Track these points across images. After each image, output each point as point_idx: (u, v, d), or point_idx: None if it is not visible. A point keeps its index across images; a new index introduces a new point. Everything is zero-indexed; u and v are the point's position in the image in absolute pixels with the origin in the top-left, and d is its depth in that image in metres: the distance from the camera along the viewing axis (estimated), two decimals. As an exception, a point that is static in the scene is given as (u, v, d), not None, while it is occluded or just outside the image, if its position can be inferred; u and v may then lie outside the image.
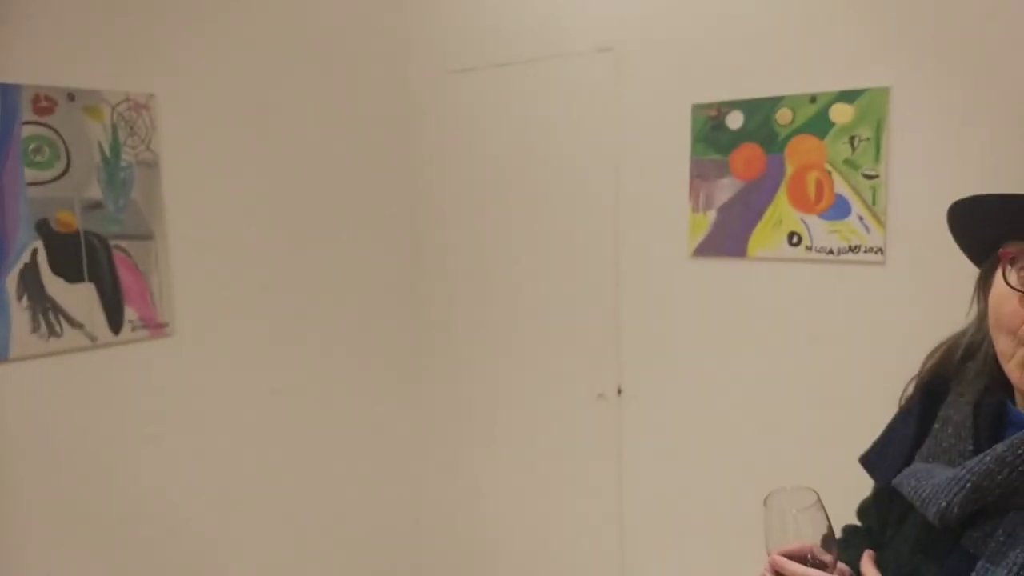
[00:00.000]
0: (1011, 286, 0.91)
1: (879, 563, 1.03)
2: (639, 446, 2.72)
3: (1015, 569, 0.84)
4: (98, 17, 2.26)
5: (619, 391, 2.72)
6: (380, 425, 3.09)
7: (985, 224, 0.97)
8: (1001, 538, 0.87)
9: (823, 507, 1.00)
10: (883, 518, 1.08)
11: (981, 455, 0.90)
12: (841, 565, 1.03)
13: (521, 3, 2.80)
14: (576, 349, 2.81)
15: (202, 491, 2.54)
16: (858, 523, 1.20)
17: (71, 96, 2.21)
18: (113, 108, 2.29)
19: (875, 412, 2.23)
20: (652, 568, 2.75)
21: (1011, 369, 0.93)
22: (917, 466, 0.99)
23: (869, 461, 1.09)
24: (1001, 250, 0.94)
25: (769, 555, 1.01)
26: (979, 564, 0.88)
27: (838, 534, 1.09)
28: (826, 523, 1.00)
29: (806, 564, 0.98)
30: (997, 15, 1.99)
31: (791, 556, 0.99)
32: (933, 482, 0.93)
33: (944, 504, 0.90)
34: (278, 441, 2.74)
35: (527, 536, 3.04)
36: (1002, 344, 0.94)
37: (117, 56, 2.30)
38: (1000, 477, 0.87)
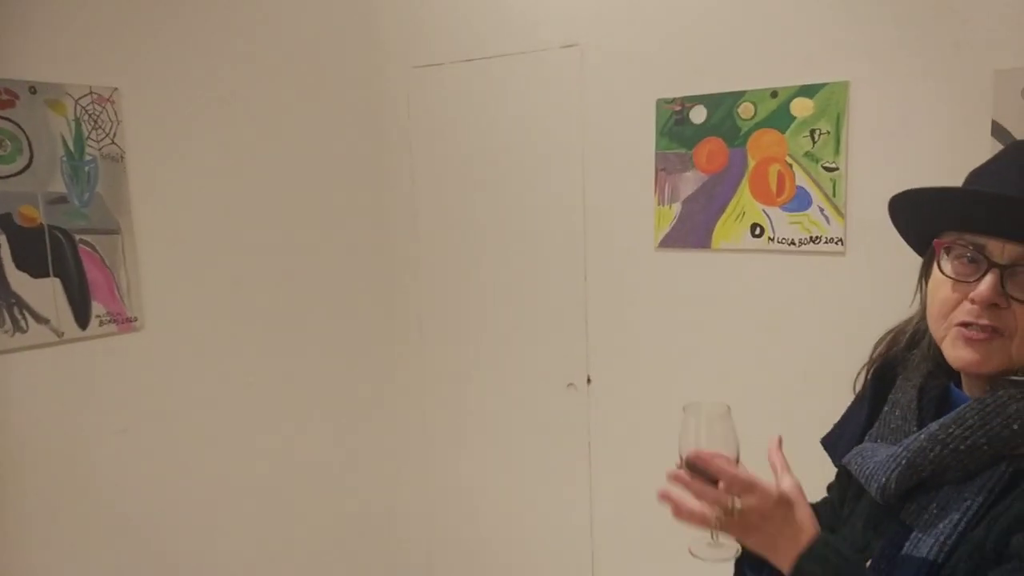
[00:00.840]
0: (944, 274, 0.96)
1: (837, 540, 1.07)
2: (608, 434, 2.76)
3: (941, 538, 0.89)
4: (61, 9, 2.23)
5: (588, 380, 2.76)
6: (353, 418, 3.09)
7: (924, 216, 1.01)
8: (935, 511, 0.92)
9: (732, 421, 1.02)
10: (842, 496, 1.13)
11: (916, 434, 0.95)
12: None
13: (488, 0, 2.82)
14: (546, 340, 2.84)
15: (173, 487, 2.53)
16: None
17: (33, 89, 2.18)
18: (76, 101, 2.27)
19: (835, 397, 2.29)
20: (622, 554, 2.79)
21: (945, 350, 0.97)
22: (864, 445, 1.04)
23: (828, 442, 1.14)
24: (936, 240, 0.98)
25: (682, 455, 1.02)
26: (912, 535, 0.93)
27: None
28: (735, 437, 1.02)
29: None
30: (955, 11, 2.04)
31: (698, 458, 1.00)
32: (875, 460, 0.98)
33: (883, 480, 0.95)
34: (250, 437, 2.73)
35: (500, 524, 3.07)
36: (936, 328, 0.99)
37: (80, 49, 2.28)
38: (932, 454, 0.92)
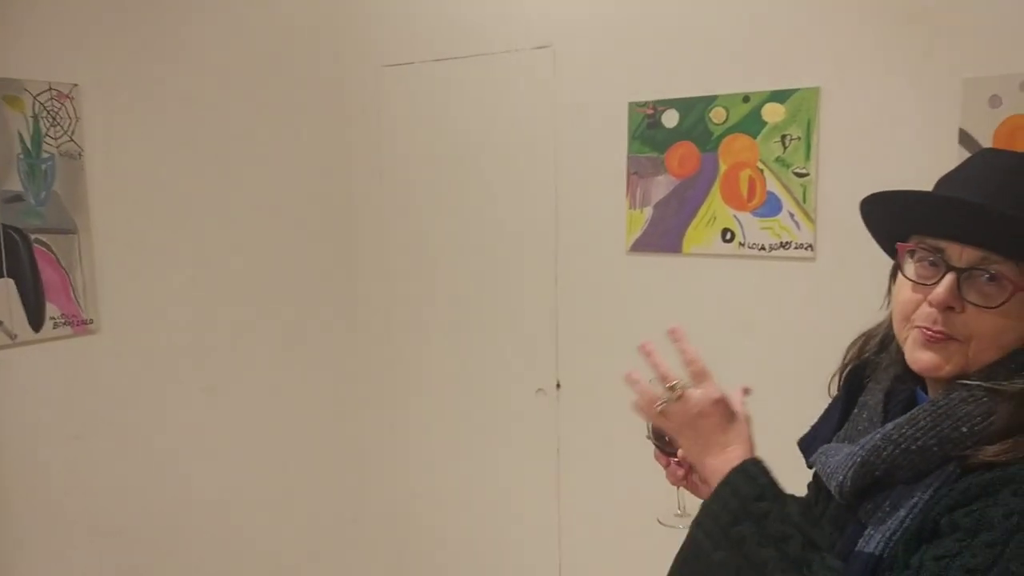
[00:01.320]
0: (906, 276, 0.98)
1: None
2: (577, 440, 2.73)
3: (887, 533, 0.91)
4: (22, 3, 2.18)
5: (558, 386, 2.74)
6: (316, 423, 3.04)
7: (891, 218, 1.03)
8: (887, 508, 0.93)
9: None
10: (816, 496, 1.14)
11: (872, 434, 0.97)
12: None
13: (460, -1, 2.79)
14: (515, 344, 2.81)
15: (128, 493, 2.47)
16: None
17: (-10, 84, 2.13)
18: (35, 98, 2.21)
19: (806, 401, 2.29)
20: (589, 560, 2.77)
21: (906, 352, 0.98)
22: (829, 445, 1.05)
23: (803, 444, 1.15)
24: (899, 244, 1.00)
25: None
26: (866, 531, 0.94)
27: None
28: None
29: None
30: (925, 20, 2.05)
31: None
32: (836, 459, 1.00)
33: (841, 478, 0.97)
34: (210, 442, 2.68)
35: (466, 531, 3.04)
36: (898, 330, 1.00)
37: (39, 44, 2.22)
38: (885, 453, 0.93)
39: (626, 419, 2.73)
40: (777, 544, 0.90)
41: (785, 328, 2.31)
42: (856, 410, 1.06)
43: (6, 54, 2.16)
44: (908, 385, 1.04)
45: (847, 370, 1.13)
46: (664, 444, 1.17)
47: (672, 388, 1.02)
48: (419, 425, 3.09)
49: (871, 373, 1.09)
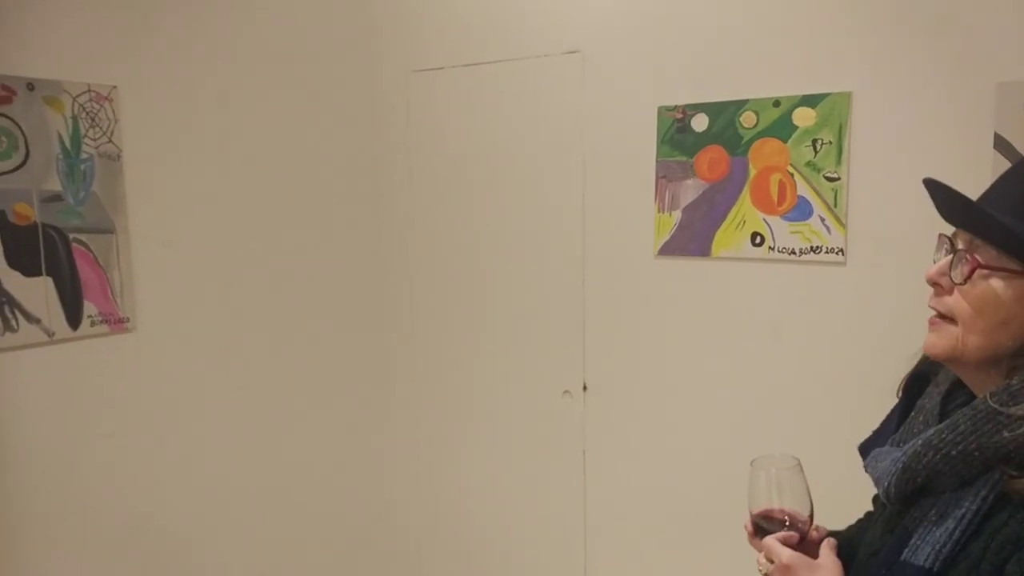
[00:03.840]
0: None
1: (866, 539, 1.09)
2: (604, 443, 2.73)
3: (937, 546, 0.90)
4: (60, 5, 2.21)
5: (585, 388, 2.74)
6: (346, 424, 3.06)
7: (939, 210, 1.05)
8: (933, 517, 0.92)
9: (802, 471, 1.09)
10: (876, 499, 1.15)
11: (915, 438, 0.97)
12: (821, 528, 1.12)
13: (489, 4, 2.80)
14: (542, 346, 2.81)
15: (163, 491, 2.50)
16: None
17: (31, 86, 2.16)
18: (74, 99, 2.24)
19: (835, 407, 2.28)
20: (615, 565, 2.76)
21: None
22: (881, 448, 1.05)
23: (862, 448, 1.15)
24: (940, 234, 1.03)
25: (751, 513, 1.11)
26: (911, 540, 0.94)
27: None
28: (805, 487, 1.10)
29: (783, 525, 1.08)
30: (958, 21, 2.04)
31: (768, 515, 1.09)
32: (883, 463, 1.00)
33: (886, 484, 0.98)
34: (241, 440, 2.70)
35: (490, 533, 3.04)
36: None
37: (79, 46, 2.25)
38: (926, 459, 0.93)
39: (652, 422, 2.76)
40: None
41: (815, 334, 2.29)
42: (913, 413, 1.06)
43: (46, 56, 2.19)
44: (967, 389, 1.03)
45: (909, 374, 1.13)
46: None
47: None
48: (445, 426, 3.11)
49: (934, 378, 1.09)
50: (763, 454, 1.11)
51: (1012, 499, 0.88)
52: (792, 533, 1.07)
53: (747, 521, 1.12)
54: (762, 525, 1.09)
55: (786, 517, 1.08)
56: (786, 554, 1.04)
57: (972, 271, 0.94)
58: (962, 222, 0.99)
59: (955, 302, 0.97)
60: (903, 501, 0.97)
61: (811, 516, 1.09)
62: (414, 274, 3.11)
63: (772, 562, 1.05)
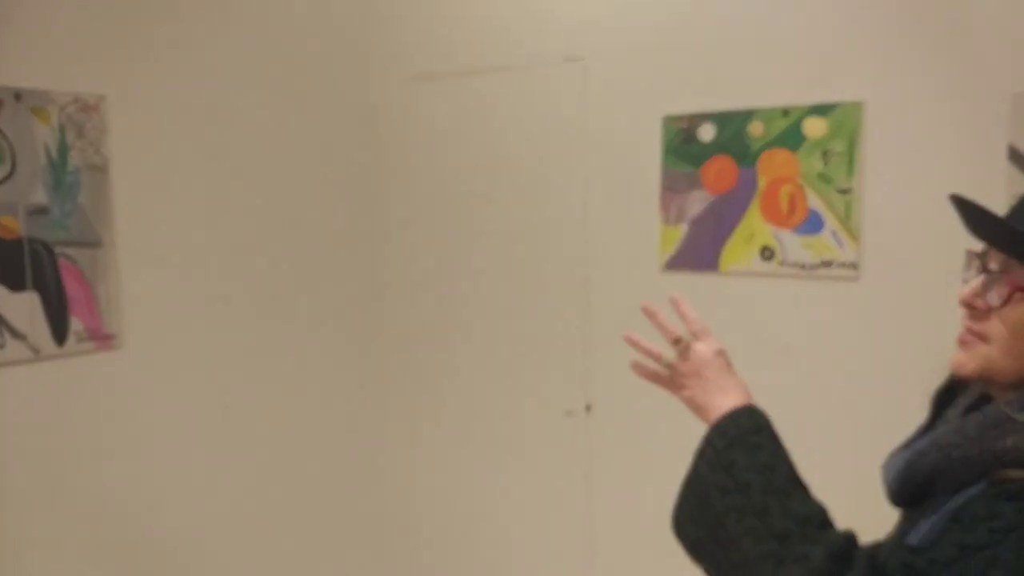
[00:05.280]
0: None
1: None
2: (608, 465, 2.66)
3: (919, 535, 0.90)
4: (47, 14, 2.17)
5: (588, 408, 2.66)
6: (338, 445, 3.00)
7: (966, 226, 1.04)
8: (928, 513, 0.92)
9: None
10: None
11: (923, 437, 0.99)
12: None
13: (489, 10, 2.76)
14: (543, 365, 2.75)
15: (153, 508, 2.45)
16: None
17: (18, 96, 2.12)
18: (61, 109, 2.20)
19: (850, 429, 2.21)
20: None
21: None
22: (896, 450, 1.05)
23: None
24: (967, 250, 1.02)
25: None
26: (905, 539, 0.93)
27: None
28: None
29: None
30: (971, 30, 2.00)
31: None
32: (893, 463, 1.01)
33: (889, 480, 1.00)
34: (230, 458, 2.65)
35: (494, 558, 2.97)
36: None
37: (67, 56, 2.22)
38: (928, 459, 0.94)
39: (658, 444, 2.67)
40: (764, 471, 0.98)
41: (827, 350, 2.24)
42: (939, 423, 1.05)
43: (33, 65, 2.15)
44: (994, 402, 1.01)
45: (940, 387, 1.11)
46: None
47: (678, 342, 1.14)
48: (444, 447, 3.04)
49: (962, 390, 1.08)
50: None
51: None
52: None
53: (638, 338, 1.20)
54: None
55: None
56: (715, 345, 1.12)
57: (1010, 294, 0.93)
58: (998, 242, 0.96)
59: (991, 325, 0.95)
60: (909, 503, 0.97)
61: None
62: (410, 289, 3.05)
63: (679, 343, 1.13)
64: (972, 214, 0.98)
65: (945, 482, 0.92)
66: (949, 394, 1.09)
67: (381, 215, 3.07)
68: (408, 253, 3.04)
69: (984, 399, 1.02)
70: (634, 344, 1.20)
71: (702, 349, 1.13)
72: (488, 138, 2.80)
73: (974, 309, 0.96)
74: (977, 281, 0.96)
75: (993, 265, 0.95)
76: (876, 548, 1.08)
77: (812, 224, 2.21)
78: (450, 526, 3.06)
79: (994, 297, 0.94)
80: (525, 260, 2.76)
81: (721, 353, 1.13)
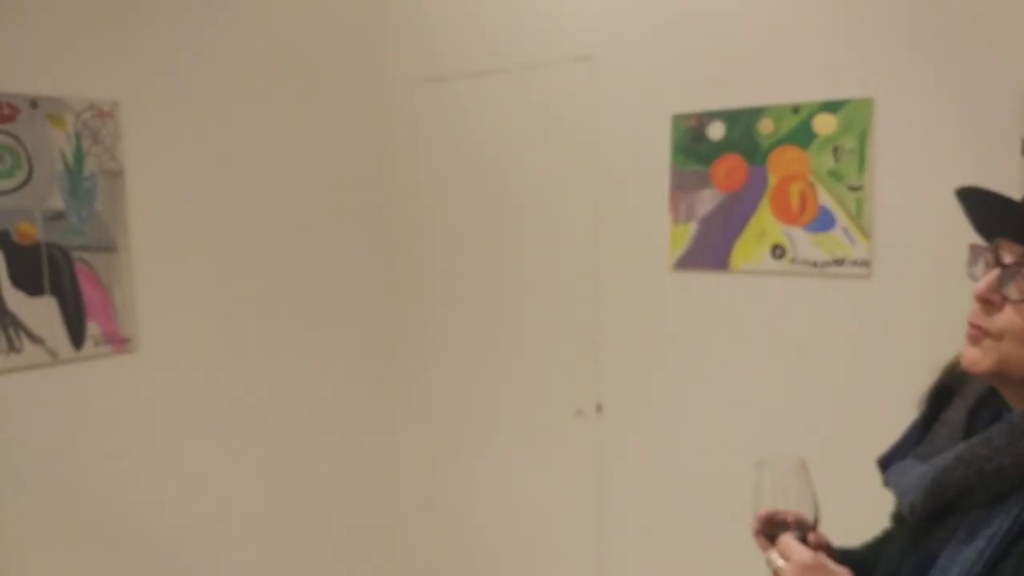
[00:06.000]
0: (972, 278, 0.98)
1: (884, 559, 1.06)
2: (618, 465, 2.65)
3: (967, 566, 0.87)
4: (62, 23, 2.20)
5: (598, 408, 2.66)
6: (352, 445, 3.01)
7: (971, 220, 1.00)
8: (962, 536, 0.89)
9: (807, 471, 1.07)
10: (895, 516, 1.12)
11: (945, 452, 0.94)
12: (821, 534, 1.09)
13: (498, 11, 2.75)
14: (554, 365, 2.75)
15: (169, 510, 2.47)
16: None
17: (34, 103, 2.15)
18: (77, 116, 2.23)
19: (859, 425, 2.19)
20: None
21: None
22: (904, 462, 1.02)
23: (882, 462, 1.11)
24: (970, 244, 0.98)
25: (755, 515, 1.08)
26: (938, 561, 0.91)
27: None
28: (810, 489, 1.07)
29: (786, 526, 1.05)
30: (982, 26, 1.98)
31: (772, 519, 1.06)
32: (908, 477, 0.98)
33: (912, 498, 0.95)
34: (246, 461, 2.67)
35: (504, 558, 2.97)
36: None
37: (81, 63, 2.24)
38: (957, 474, 0.90)
39: (669, 444, 2.67)
40: None
41: (839, 349, 2.22)
42: (937, 426, 1.03)
43: (48, 72, 2.18)
44: (997, 402, 0.99)
45: (933, 387, 1.09)
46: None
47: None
48: (454, 447, 3.04)
49: (960, 390, 1.05)
50: (768, 453, 1.09)
51: None
52: (798, 534, 1.05)
53: (752, 520, 1.09)
54: (770, 530, 1.07)
55: (793, 519, 1.06)
56: (808, 554, 1.00)
57: None
58: (1015, 234, 0.92)
59: (1008, 320, 0.91)
60: (928, 518, 0.94)
61: (816, 520, 1.07)
62: (422, 291, 3.05)
63: (784, 560, 1.02)
64: (983, 206, 0.95)
65: (975, 498, 0.90)
66: (944, 393, 1.06)
67: (393, 217, 3.08)
68: (419, 255, 3.04)
69: (987, 399, 1.00)
70: None
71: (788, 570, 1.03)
72: (498, 139, 2.80)
73: (990, 304, 0.92)
74: (992, 275, 0.92)
75: (1008, 258, 0.92)
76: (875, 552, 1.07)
77: (823, 222, 2.20)
78: (461, 525, 3.06)
79: (1013, 291, 0.90)
80: (535, 259, 2.76)
81: (808, 568, 1.01)
